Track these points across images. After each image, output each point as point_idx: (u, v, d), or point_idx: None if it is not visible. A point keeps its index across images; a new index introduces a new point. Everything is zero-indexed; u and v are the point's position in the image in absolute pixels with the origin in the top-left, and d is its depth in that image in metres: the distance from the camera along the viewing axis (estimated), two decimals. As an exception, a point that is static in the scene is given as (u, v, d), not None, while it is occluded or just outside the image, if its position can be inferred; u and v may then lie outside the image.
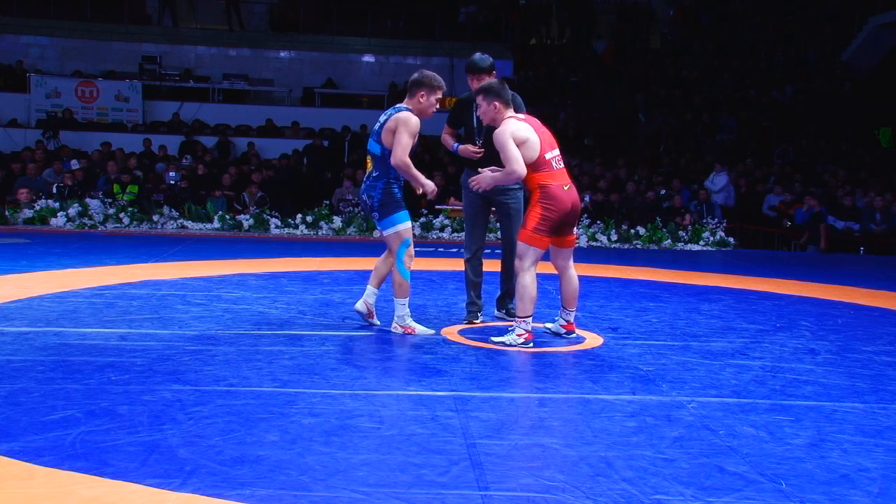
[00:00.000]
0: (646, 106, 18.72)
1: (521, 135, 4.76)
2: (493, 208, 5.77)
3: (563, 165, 4.95)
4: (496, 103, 4.86)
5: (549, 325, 5.35)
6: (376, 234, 11.77)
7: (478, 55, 5.59)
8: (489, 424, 3.42)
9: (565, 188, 4.84)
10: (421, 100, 5.00)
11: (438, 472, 2.87)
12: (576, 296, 5.14)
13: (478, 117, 5.32)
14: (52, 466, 2.82)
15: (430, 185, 5.10)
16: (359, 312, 5.30)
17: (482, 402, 3.76)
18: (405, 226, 5.02)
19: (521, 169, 4.72)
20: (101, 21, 19.34)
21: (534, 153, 4.78)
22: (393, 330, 5.12)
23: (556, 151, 4.92)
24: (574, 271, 5.13)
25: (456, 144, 5.60)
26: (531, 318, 4.89)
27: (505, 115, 4.88)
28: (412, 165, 4.93)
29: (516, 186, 5.52)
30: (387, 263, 5.23)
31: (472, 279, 5.69)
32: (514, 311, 5.24)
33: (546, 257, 5.05)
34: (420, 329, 5.14)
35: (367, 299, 5.29)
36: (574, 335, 5.20)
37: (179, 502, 2.59)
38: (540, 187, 4.81)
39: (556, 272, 5.17)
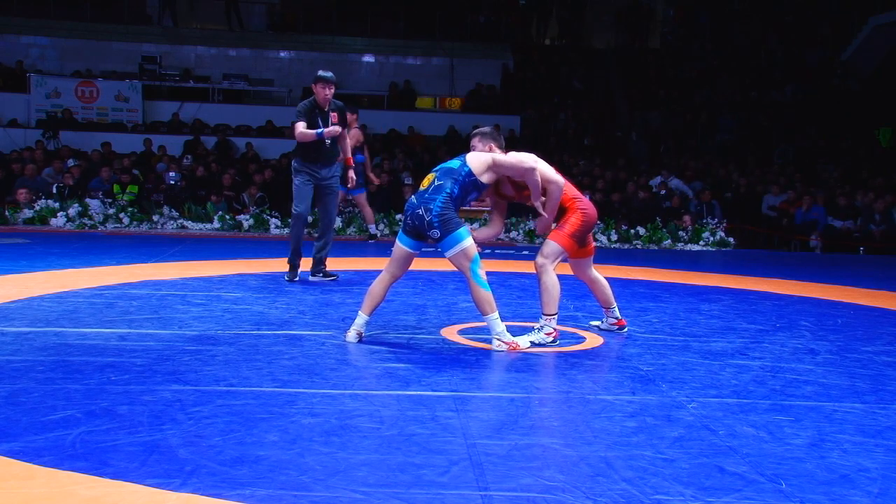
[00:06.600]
0: (645, 106, 18.71)
1: (535, 156, 5.04)
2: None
3: None
4: (491, 145, 5.05)
5: (594, 323, 5.59)
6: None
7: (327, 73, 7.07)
8: (489, 424, 3.42)
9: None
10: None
11: (438, 472, 2.87)
12: (610, 293, 5.37)
13: (324, 116, 6.92)
14: (52, 466, 2.81)
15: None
16: (350, 342, 4.86)
17: (482, 402, 3.76)
18: (468, 241, 4.69)
19: (561, 179, 4.98)
20: (101, 21, 19.32)
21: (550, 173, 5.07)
22: (496, 348, 4.75)
23: None
24: (598, 273, 5.36)
25: (320, 130, 6.80)
26: (556, 317, 4.98)
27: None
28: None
29: (337, 172, 7.12)
30: (382, 287, 4.87)
31: (294, 244, 7.07)
32: (330, 273, 7.22)
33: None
34: (523, 342, 4.85)
35: (359, 330, 4.89)
36: (626, 330, 5.41)
37: (179, 502, 2.59)
38: (575, 199, 5.07)
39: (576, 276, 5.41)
